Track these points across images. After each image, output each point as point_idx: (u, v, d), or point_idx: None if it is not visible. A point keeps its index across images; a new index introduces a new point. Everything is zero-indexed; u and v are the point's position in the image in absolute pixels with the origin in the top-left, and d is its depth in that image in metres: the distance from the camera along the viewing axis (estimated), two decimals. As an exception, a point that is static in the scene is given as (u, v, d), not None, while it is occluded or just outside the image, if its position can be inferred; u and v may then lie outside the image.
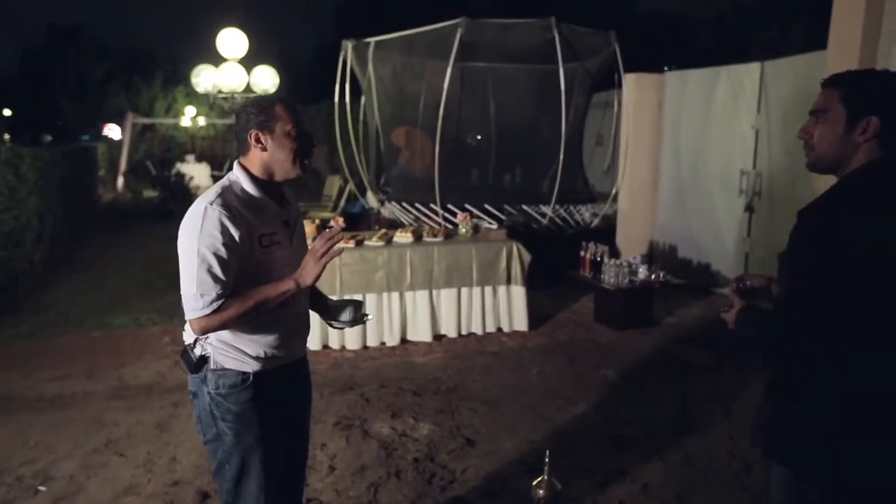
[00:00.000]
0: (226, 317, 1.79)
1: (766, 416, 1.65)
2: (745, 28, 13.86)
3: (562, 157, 6.97)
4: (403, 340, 5.28)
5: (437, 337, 5.37)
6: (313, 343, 5.04)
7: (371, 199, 8.90)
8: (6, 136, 29.09)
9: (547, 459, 2.19)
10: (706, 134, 6.99)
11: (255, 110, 1.89)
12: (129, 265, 8.36)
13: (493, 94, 8.85)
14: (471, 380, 4.55)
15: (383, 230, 5.63)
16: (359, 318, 2.11)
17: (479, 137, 9.30)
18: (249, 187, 1.91)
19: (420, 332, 5.29)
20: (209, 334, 1.88)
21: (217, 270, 1.77)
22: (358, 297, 5.06)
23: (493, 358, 4.98)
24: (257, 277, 1.85)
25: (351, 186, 9.81)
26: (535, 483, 2.19)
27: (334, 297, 5.09)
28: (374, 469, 3.31)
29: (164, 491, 3.10)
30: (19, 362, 4.83)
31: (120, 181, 18.38)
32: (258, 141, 1.88)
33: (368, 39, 7.91)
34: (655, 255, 7.60)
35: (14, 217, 6.77)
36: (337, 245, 1.82)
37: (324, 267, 1.82)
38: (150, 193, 16.34)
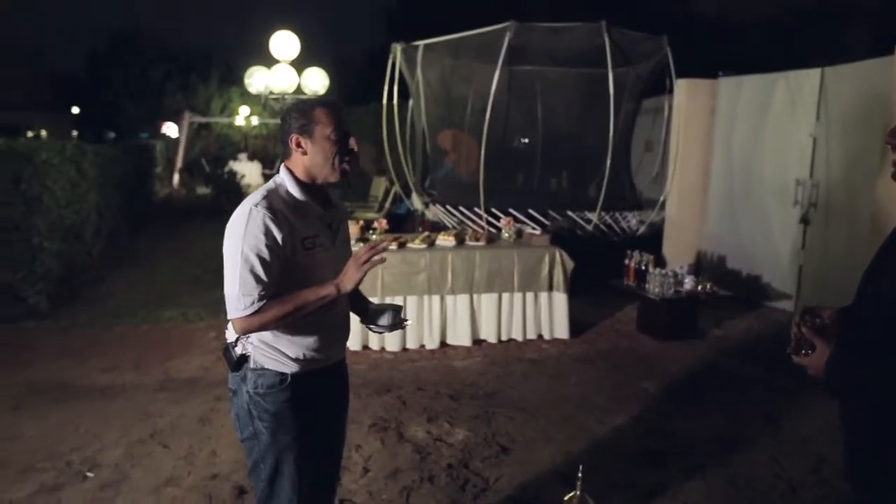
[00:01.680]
0: (266, 318, 1.82)
1: (881, 458, 1.50)
2: (803, 32, 13.37)
3: (609, 162, 6.85)
4: (443, 344, 5.28)
5: (477, 342, 5.36)
6: (353, 343, 5.10)
7: (416, 202, 8.95)
8: (74, 133, 30.43)
9: (580, 475, 2.15)
10: (761, 142, 6.77)
11: (296, 115, 1.92)
12: (180, 260, 8.62)
13: (541, 98, 8.77)
14: (509, 386, 4.51)
15: (426, 233, 5.64)
16: (397, 324, 2.11)
17: (525, 140, 9.22)
18: (294, 190, 1.93)
19: (460, 337, 5.28)
20: (250, 334, 1.91)
21: (260, 272, 1.80)
22: (399, 300, 5.09)
23: (531, 365, 4.93)
24: (299, 279, 1.87)
25: (397, 188, 9.88)
26: (566, 498, 2.15)
27: (375, 301, 5.15)
28: (407, 473, 3.31)
29: (203, 484, 3.17)
30: (75, 351, 5.04)
31: (176, 178, 18.99)
32: (298, 145, 1.91)
33: (417, 43, 7.95)
34: (703, 265, 7.41)
35: (75, 211, 7.07)
36: (380, 255, 1.84)
37: (365, 273, 1.84)
38: (203, 190, 16.85)
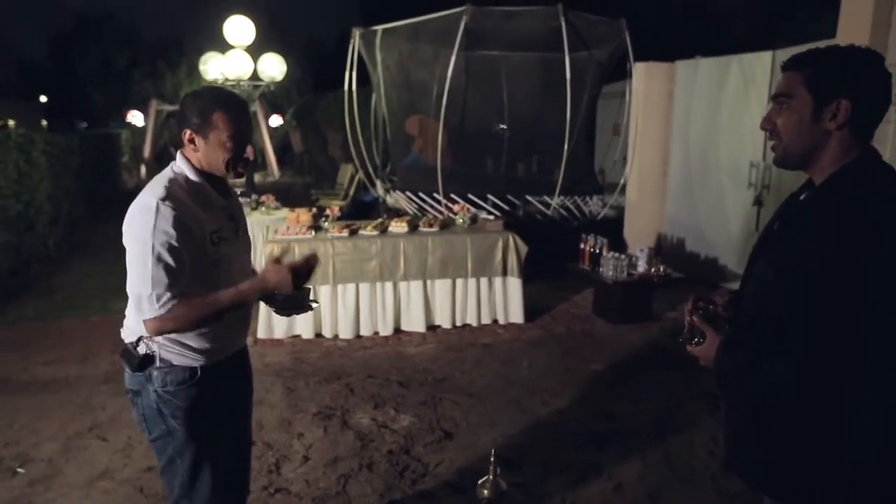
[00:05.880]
0: (186, 319, 1.78)
1: (760, 448, 1.51)
2: (773, 16, 13.46)
3: (566, 147, 6.83)
4: (397, 330, 5.27)
5: (432, 328, 5.35)
6: (305, 332, 5.07)
7: (380, 189, 8.88)
8: (43, 123, 29.69)
9: (492, 459, 2.15)
10: (716, 124, 6.81)
11: (195, 111, 1.83)
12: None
13: (506, 83, 8.70)
14: (459, 372, 4.52)
15: (379, 220, 5.61)
16: (305, 307, 2.08)
17: (503, 127, 9.10)
18: (194, 176, 1.88)
19: (414, 323, 5.26)
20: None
21: (173, 268, 1.74)
22: (350, 287, 5.06)
23: (484, 350, 4.94)
24: (209, 274, 1.83)
25: (360, 175, 9.80)
26: (480, 482, 2.15)
27: (327, 288, 5.06)
28: (347, 460, 3.30)
29: (138, 476, 3.14)
30: (18, 345, 4.94)
31: (143, 169, 18.63)
32: (191, 142, 1.86)
33: (376, 28, 7.85)
34: (663, 248, 7.46)
35: (24, 202, 6.91)
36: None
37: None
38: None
